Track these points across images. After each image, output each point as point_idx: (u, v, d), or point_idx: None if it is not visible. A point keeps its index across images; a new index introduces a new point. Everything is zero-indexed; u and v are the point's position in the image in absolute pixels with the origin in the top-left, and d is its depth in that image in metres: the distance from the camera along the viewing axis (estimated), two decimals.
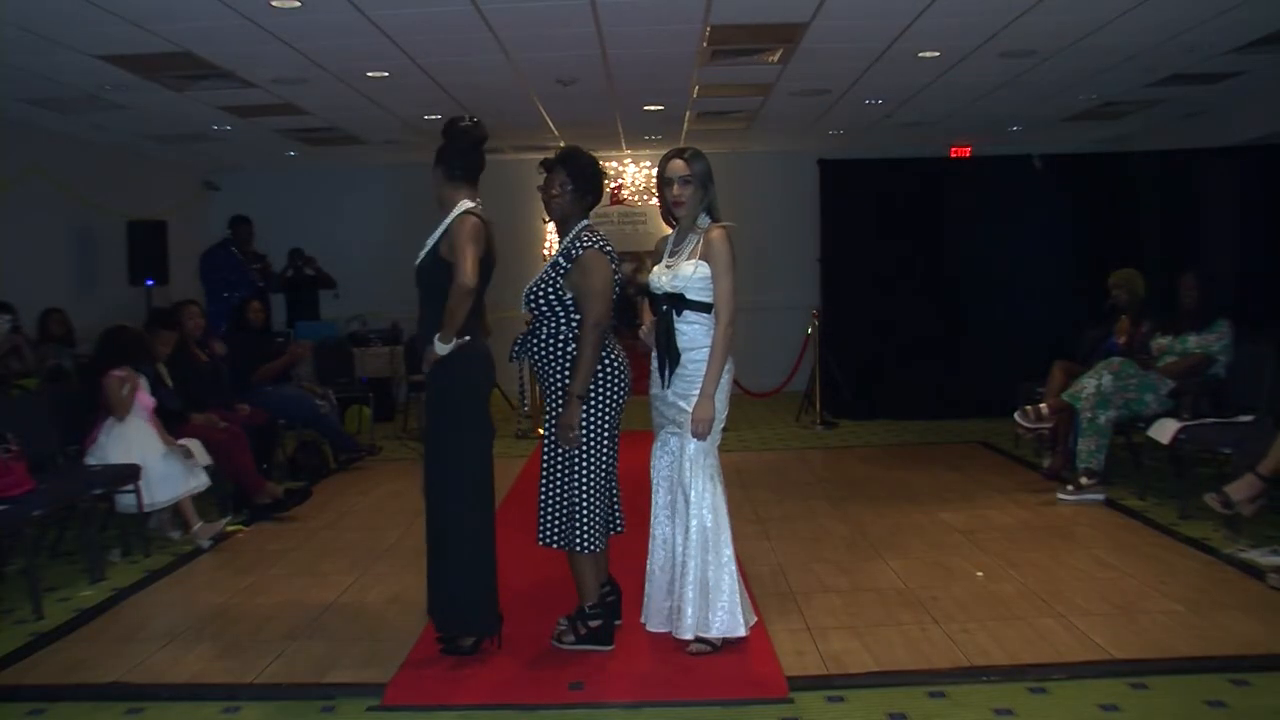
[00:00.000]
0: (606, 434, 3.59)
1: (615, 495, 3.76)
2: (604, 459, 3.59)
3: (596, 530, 3.58)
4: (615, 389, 3.59)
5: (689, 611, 3.59)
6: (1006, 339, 8.32)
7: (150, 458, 5.23)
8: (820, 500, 6.06)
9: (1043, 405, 6.04)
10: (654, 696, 3.33)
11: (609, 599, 3.75)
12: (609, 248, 3.60)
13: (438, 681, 3.51)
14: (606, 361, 3.57)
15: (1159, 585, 4.26)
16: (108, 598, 4.55)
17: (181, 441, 5.48)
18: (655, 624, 3.78)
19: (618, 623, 3.80)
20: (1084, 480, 5.75)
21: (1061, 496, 5.79)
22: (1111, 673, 3.39)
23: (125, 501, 5.17)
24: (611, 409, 3.59)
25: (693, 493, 3.59)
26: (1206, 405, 5.63)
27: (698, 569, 3.59)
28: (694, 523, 3.60)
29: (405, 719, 3.28)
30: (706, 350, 3.59)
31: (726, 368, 3.63)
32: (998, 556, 4.77)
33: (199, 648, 3.90)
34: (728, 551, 3.61)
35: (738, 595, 3.62)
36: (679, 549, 3.64)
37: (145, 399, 5.42)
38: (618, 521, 3.80)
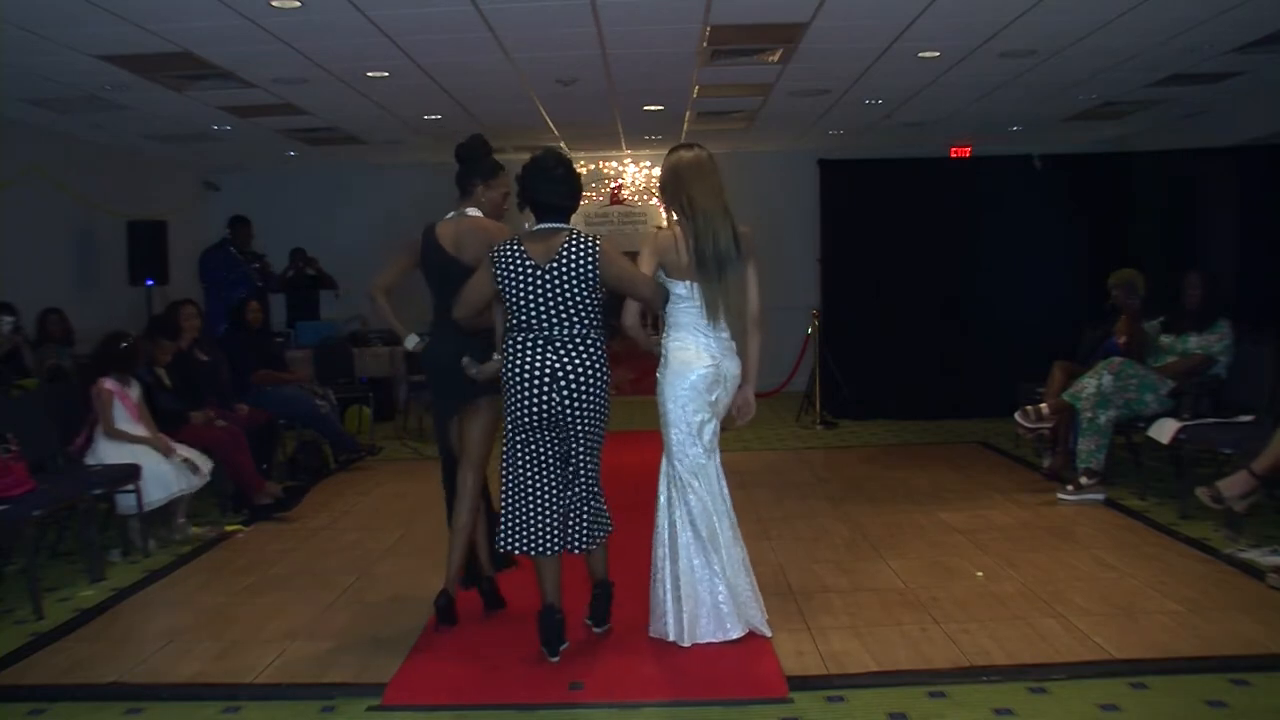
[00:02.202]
0: (507, 437, 3.60)
1: (557, 507, 3.56)
2: (508, 462, 3.59)
3: (506, 530, 3.58)
4: (507, 391, 3.56)
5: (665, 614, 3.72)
6: (1006, 339, 8.31)
7: (143, 458, 5.24)
8: (820, 500, 6.06)
9: (1043, 405, 6.03)
10: (654, 696, 3.33)
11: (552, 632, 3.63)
12: (500, 250, 3.53)
13: (438, 681, 3.51)
14: (505, 366, 3.57)
15: (1159, 585, 4.26)
16: (108, 598, 4.55)
17: (181, 451, 5.48)
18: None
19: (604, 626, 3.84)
20: (1084, 480, 5.75)
21: (1062, 496, 5.79)
22: (1111, 673, 3.39)
23: (125, 502, 5.18)
24: (507, 412, 3.57)
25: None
26: (1206, 405, 5.63)
27: (672, 576, 3.69)
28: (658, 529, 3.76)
29: (405, 719, 3.28)
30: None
31: (685, 371, 3.64)
32: (998, 556, 4.77)
33: (199, 648, 3.89)
34: (683, 563, 3.64)
35: (679, 606, 3.64)
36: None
37: (130, 405, 5.44)
38: (541, 539, 3.54)
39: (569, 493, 3.59)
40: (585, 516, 3.59)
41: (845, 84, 7.62)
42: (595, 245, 3.50)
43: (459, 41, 6.05)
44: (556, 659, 3.59)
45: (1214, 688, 3.24)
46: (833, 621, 3.95)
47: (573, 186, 3.62)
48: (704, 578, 3.63)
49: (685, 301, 3.67)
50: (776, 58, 6.76)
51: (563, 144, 10.34)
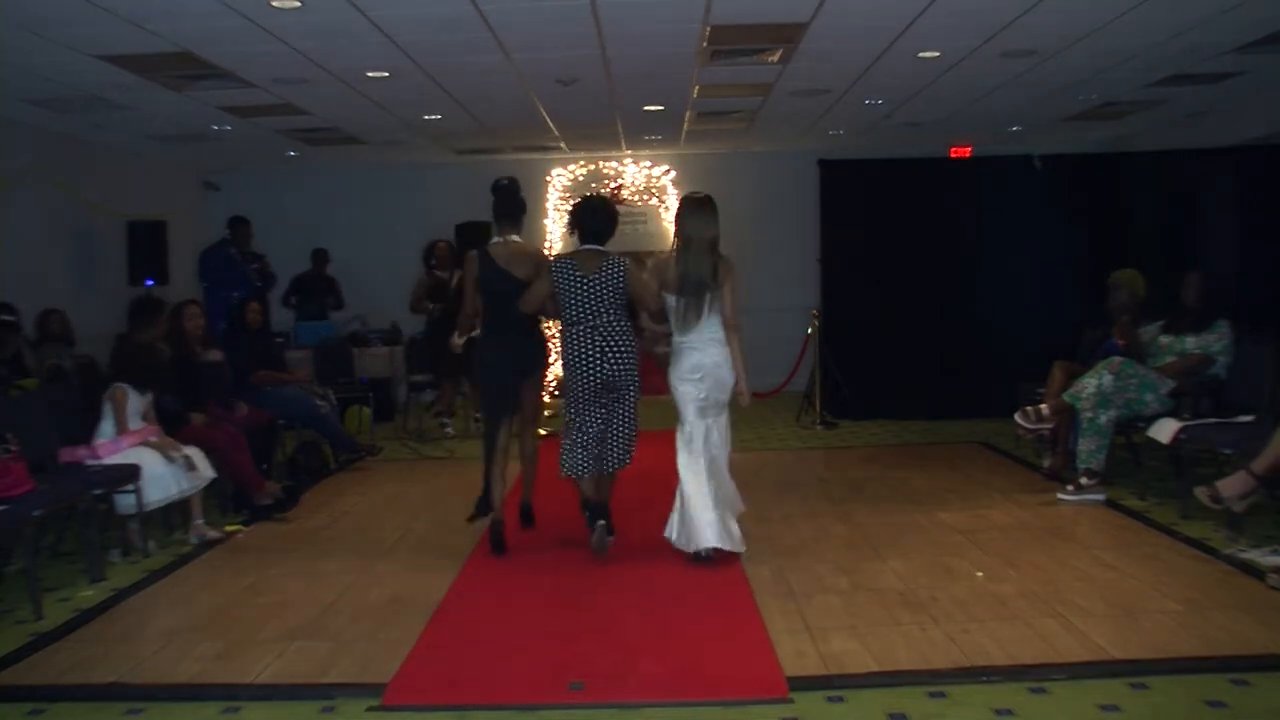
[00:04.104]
0: (569, 396, 4.91)
1: (603, 446, 4.87)
2: (569, 413, 4.91)
3: (567, 460, 4.86)
4: (567, 364, 4.87)
5: None
6: (1006, 339, 8.32)
7: (143, 459, 5.24)
8: (820, 500, 6.06)
9: (1043, 406, 6.03)
10: (654, 696, 3.33)
11: (599, 520, 4.85)
12: (557, 263, 4.90)
13: (438, 681, 3.51)
14: (561, 348, 4.93)
15: (1159, 585, 4.26)
16: (108, 598, 4.55)
17: (186, 450, 5.48)
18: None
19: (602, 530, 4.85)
20: (1084, 480, 5.75)
21: (1062, 497, 5.79)
22: (1111, 673, 3.39)
23: (124, 502, 5.17)
24: (568, 378, 4.88)
25: None
26: (1207, 405, 5.63)
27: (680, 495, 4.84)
28: None
29: (405, 719, 3.28)
30: None
31: (678, 361, 4.81)
32: (998, 556, 4.77)
33: (199, 648, 3.89)
34: (687, 486, 4.76)
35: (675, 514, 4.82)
36: None
37: (139, 409, 5.47)
38: (592, 465, 4.89)
39: (608, 432, 4.86)
40: (618, 448, 4.89)
41: (845, 84, 7.62)
42: (624, 264, 4.89)
43: (459, 41, 6.05)
44: (600, 526, 4.77)
45: (1214, 688, 3.24)
46: (833, 621, 3.95)
47: (612, 221, 5.00)
48: (699, 496, 4.68)
49: (673, 311, 4.84)
50: (776, 58, 6.76)
51: (563, 144, 10.34)
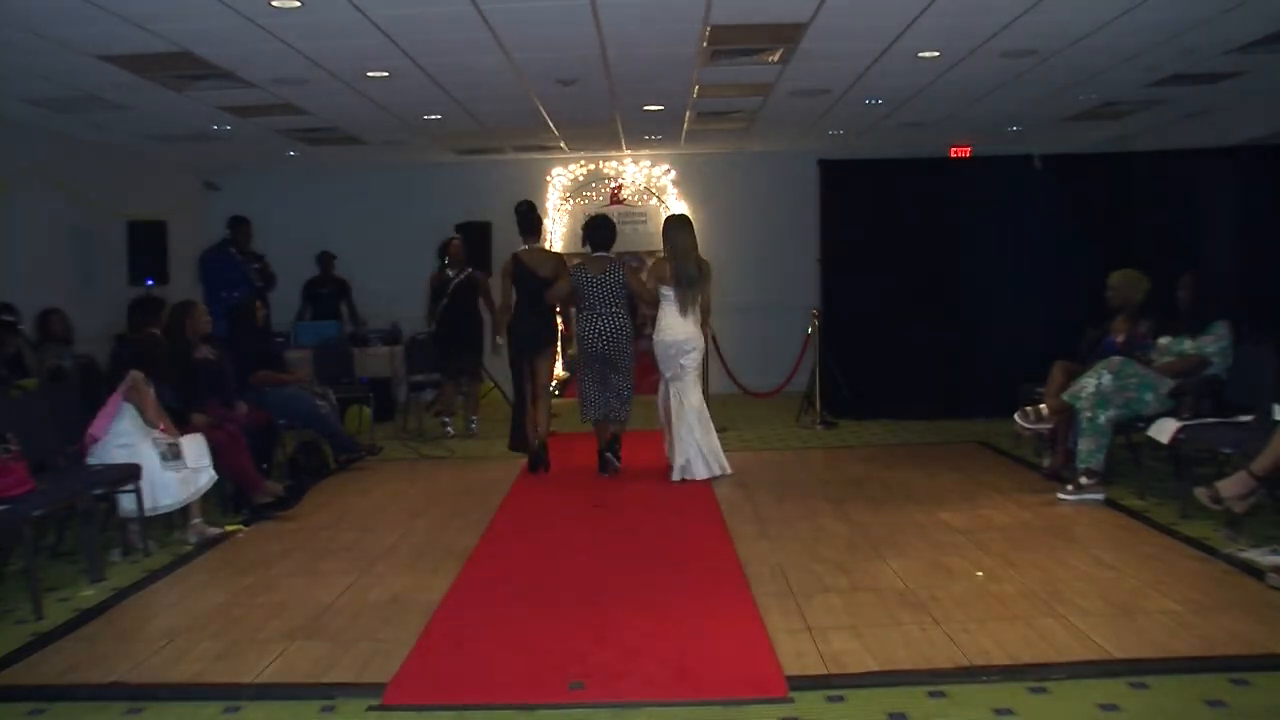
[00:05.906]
0: (581, 365, 6.77)
1: (607, 399, 6.66)
2: (581, 378, 6.79)
3: (585, 410, 6.77)
4: (580, 341, 6.70)
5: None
6: (1006, 339, 8.31)
7: (149, 462, 5.23)
8: (820, 500, 6.06)
9: (1042, 406, 6.03)
10: (654, 696, 3.33)
11: (605, 453, 6.77)
12: (575, 268, 6.79)
13: (437, 681, 3.51)
14: (577, 327, 6.77)
15: (1159, 585, 4.26)
16: (108, 598, 4.55)
17: (186, 439, 5.47)
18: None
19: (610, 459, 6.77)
20: (1084, 480, 5.74)
21: (1061, 496, 5.79)
22: (1111, 673, 3.39)
23: (127, 504, 5.16)
24: (580, 351, 6.71)
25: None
26: (1207, 405, 5.62)
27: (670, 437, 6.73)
28: None
29: (405, 719, 3.28)
30: None
31: (661, 336, 6.60)
32: (998, 556, 4.77)
33: (199, 648, 3.89)
34: (680, 430, 6.59)
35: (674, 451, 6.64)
36: None
37: (149, 401, 5.44)
38: (601, 412, 6.73)
39: (610, 391, 6.63)
40: (619, 404, 6.68)
41: (845, 84, 7.62)
42: (622, 269, 6.74)
43: (459, 41, 6.05)
44: (604, 457, 6.71)
45: (1214, 688, 3.24)
46: (833, 621, 3.95)
47: (614, 235, 6.86)
48: (680, 436, 6.54)
49: (668, 300, 6.58)
50: (776, 58, 6.76)
51: (563, 144, 10.34)
